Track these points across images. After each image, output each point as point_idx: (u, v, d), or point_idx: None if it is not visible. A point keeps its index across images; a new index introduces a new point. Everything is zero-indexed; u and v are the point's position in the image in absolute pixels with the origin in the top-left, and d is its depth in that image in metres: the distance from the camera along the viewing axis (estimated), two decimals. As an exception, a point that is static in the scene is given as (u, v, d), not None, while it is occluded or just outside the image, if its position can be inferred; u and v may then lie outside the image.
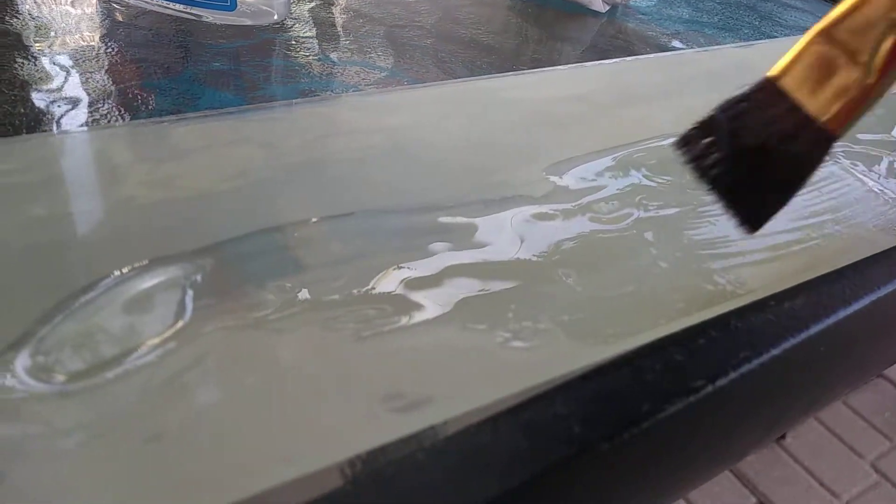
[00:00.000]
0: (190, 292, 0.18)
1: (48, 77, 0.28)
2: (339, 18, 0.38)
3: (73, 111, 0.26)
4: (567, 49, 0.39)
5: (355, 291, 0.19)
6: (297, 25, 0.36)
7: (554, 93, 0.32)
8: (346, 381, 0.16)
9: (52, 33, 0.31)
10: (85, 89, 0.27)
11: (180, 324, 0.17)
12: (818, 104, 0.21)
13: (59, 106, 0.26)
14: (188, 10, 0.34)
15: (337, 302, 0.18)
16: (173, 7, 0.35)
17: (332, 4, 0.40)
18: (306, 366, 0.17)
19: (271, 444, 0.15)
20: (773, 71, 0.21)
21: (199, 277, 0.19)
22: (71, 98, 0.26)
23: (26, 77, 0.27)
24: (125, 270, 0.18)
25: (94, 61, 0.29)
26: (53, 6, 0.34)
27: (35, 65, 0.28)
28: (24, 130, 0.24)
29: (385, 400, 0.16)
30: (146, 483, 0.14)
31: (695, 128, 0.22)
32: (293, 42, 0.34)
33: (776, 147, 0.21)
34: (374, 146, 0.26)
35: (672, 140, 0.22)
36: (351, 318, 0.18)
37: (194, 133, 0.25)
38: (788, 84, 0.21)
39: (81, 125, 0.25)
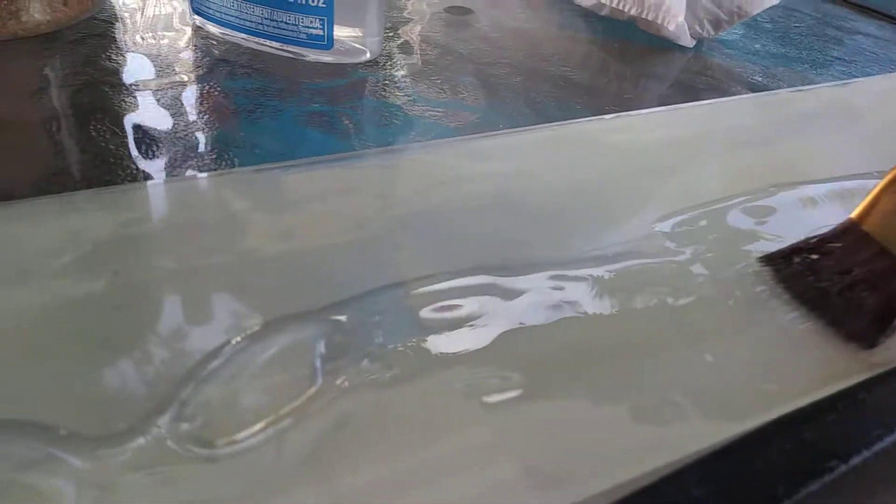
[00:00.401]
0: (320, 352, 0.18)
1: (153, 118, 0.28)
2: (428, 56, 0.38)
3: (180, 154, 0.26)
4: (654, 86, 0.39)
5: (478, 355, 0.19)
6: (388, 63, 0.37)
7: (654, 136, 0.31)
8: (482, 451, 0.16)
9: (153, 72, 0.32)
10: (188, 131, 0.28)
11: (314, 388, 0.18)
12: None
13: (168, 149, 0.26)
14: (285, 48, 0.35)
15: (461, 365, 0.18)
16: (270, 44, 0.35)
17: (419, 41, 0.40)
18: (443, 432, 0.17)
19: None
20: (855, 214, 0.22)
21: (328, 337, 0.19)
22: (177, 140, 0.27)
23: (131, 119, 0.28)
24: (256, 329, 0.19)
25: (195, 101, 0.30)
26: (152, 42, 0.35)
27: (138, 106, 0.29)
28: (133, 177, 0.25)
29: (525, 475, 0.16)
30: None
31: (782, 254, 0.23)
32: (387, 82, 0.35)
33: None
34: (482, 195, 0.26)
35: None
36: (478, 384, 0.18)
37: (306, 181, 0.25)
38: (871, 226, 0.22)
39: (192, 170, 0.26)
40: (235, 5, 0.34)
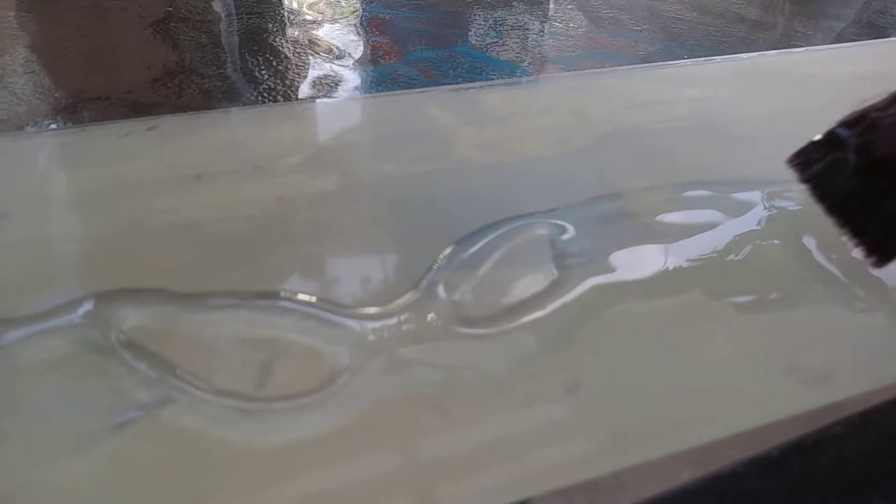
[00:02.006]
0: (555, 250, 0.19)
1: (339, 46, 0.29)
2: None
3: (374, 75, 0.27)
4: (833, 24, 0.37)
5: (718, 260, 0.19)
6: (558, 1, 0.36)
7: (845, 70, 0.30)
8: (747, 350, 0.16)
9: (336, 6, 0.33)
10: (375, 55, 0.28)
11: (553, 279, 0.18)
12: None
13: (364, 72, 0.27)
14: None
15: (703, 271, 0.18)
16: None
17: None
18: (701, 331, 0.17)
19: (687, 402, 0.15)
20: None
21: (560, 236, 0.19)
22: (371, 62, 0.28)
23: (327, 46, 0.29)
24: (493, 225, 0.19)
25: (376, 29, 0.31)
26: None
27: (321, 34, 0.30)
28: (333, 91, 0.25)
29: (789, 373, 0.16)
30: (575, 428, 0.14)
31: (814, 143, 0.19)
32: (559, 14, 0.34)
33: None
34: (680, 118, 0.25)
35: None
36: (725, 288, 0.18)
37: (503, 99, 0.26)
38: None
39: (387, 89, 0.26)
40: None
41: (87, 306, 0.15)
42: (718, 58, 0.30)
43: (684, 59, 0.30)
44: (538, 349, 0.16)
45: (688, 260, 0.19)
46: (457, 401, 0.14)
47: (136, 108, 0.23)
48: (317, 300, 0.16)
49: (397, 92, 0.25)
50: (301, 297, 0.16)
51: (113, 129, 0.22)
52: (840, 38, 0.35)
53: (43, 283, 0.16)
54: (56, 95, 0.23)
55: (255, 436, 0.14)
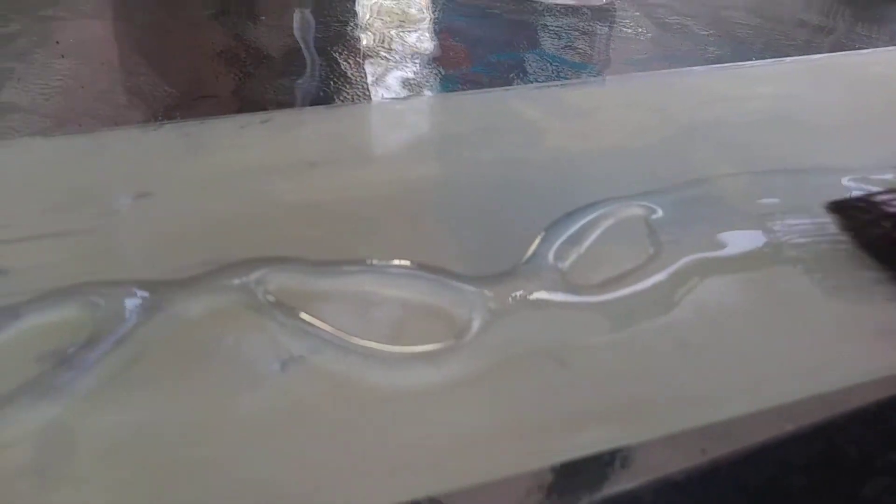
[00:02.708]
0: (650, 228, 0.20)
1: (415, 50, 0.31)
2: (661, -1, 0.39)
3: (452, 77, 0.29)
4: (894, 28, 0.38)
5: (799, 239, 0.20)
6: (624, 5, 0.38)
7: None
8: (840, 319, 0.17)
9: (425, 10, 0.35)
10: (448, 59, 0.30)
11: (650, 253, 0.19)
12: None
13: (442, 74, 0.29)
14: (527, -8, 0.37)
15: (787, 247, 0.19)
16: (512, -11, 0.37)
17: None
18: (789, 300, 0.18)
19: (783, 360, 0.16)
20: None
21: (656, 215, 0.20)
22: (445, 66, 0.29)
23: (413, 49, 0.31)
24: (587, 207, 0.20)
25: (448, 35, 0.33)
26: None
27: (398, 39, 0.32)
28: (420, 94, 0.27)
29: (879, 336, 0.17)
30: (686, 379, 0.15)
31: (854, 199, 0.21)
32: (626, 20, 0.36)
33: None
34: (756, 111, 0.26)
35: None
36: (808, 267, 0.19)
37: (584, 96, 0.27)
38: None
39: (474, 88, 0.28)
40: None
41: (237, 270, 0.17)
42: (787, 59, 0.31)
43: (752, 59, 0.31)
44: (645, 312, 0.17)
45: (770, 238, 0.20)
46: (574, 354, 0.16)
47: (244, 104, 0.25)
48: (438, 268, 0.18)
49: (483, 90, 0.27)
50: (424, 265, 0.18)
51: (230, 122, 0.24)
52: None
53: (191, 251, 0.18)
54: (171, 94, 0.25)
55: (393, 380, 0.15)
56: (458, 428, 0.14)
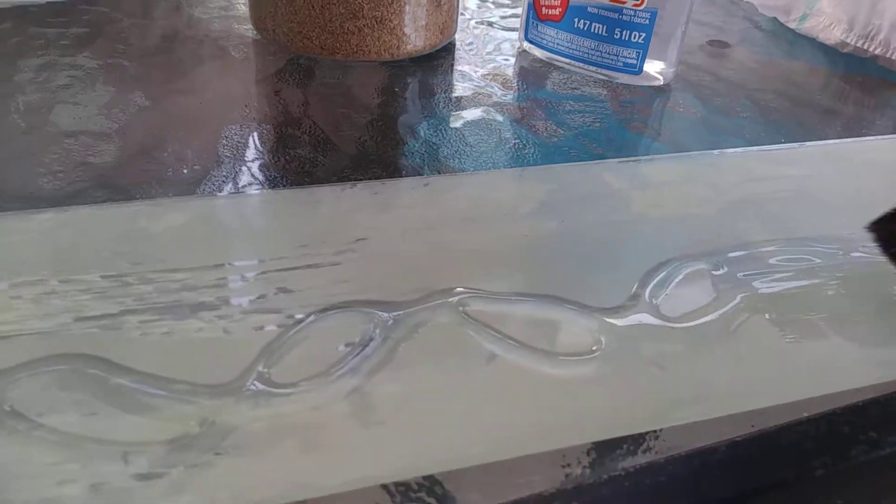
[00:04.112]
0: (712, 277, 0.29)
1: (511, 124, 0.40)
2: (705, 81, 0.48)
3: (545, 149, 0.38)
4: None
5: (823, 286, 0.29)
6: (676, 88, 0.47)
7: (907, 156, 0.40)
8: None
9: (501, 87, 0.44)
10: (540, 133, 0.39)
11: (714, 295, 0.28)
12: None
13: (538, 147, 0.38)
14: (600, 72, 0.46)
15: (809, 293, 0.28)
16: (588, 69, 0.46)
17: (695, 69, 0.50)
18: (822, 324, 0.26)
19: (815, 368, 0.25)
20: None
21: (719, 270, 0.29)
22: (539, 138, 0.39)
23: (504, 119, 0.40)
24: (671, 259, 0.29)
25: (535, 108, 0.42)
26: (489, 59, 0.47)
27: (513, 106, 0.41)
28: (531, 161, 0.36)
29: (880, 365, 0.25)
30: (740, 384, 0.24)
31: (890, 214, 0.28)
32: (681, 102, 0.45)
33: None
34: (786, 189, 0.35)
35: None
36: (836, 305, 0.28)
37: (653, 170, 0.36)
38: None
39: (558, 160, 0.37)
40: (568, 38, 0.46)
41: (443, 295, 0.26)
42: (809, 143, 0.40)
43: (782, 142, 0.40)
44: (712, 335, 0.26)
45: (799, 286, 0.29)
46: (667, 361, 0.25)
47: (402, 169, 0.34)
48: (573, 301, 0.27)
49: (581, 163, 0.36)
50: (562, 298, 0.27)
51: (401, 184, 0.33)
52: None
53: (405, 280, 0.27)
54: (340, 159, 0.34)
55: (558, 372, 0.24)
56: (601, 403, 0.23)
